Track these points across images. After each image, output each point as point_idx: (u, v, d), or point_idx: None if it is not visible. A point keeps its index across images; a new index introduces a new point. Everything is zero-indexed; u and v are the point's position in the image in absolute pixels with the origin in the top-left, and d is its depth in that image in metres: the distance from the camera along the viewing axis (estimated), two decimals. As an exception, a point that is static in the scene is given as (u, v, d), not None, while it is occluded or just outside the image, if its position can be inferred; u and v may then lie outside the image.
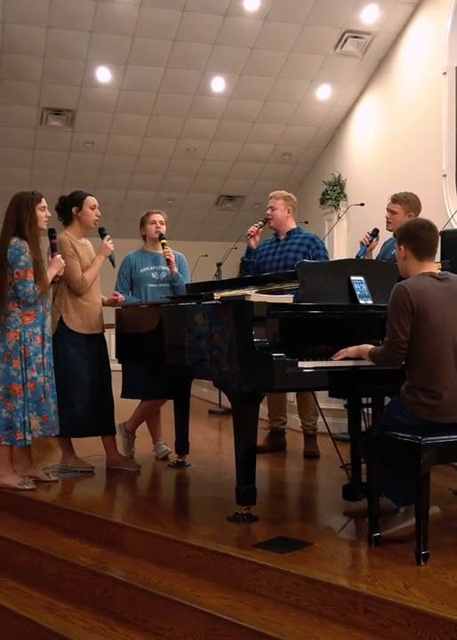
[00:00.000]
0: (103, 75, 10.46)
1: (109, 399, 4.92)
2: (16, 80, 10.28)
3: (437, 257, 4.87)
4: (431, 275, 3.34)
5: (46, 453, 5.47)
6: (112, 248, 4.89)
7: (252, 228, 5.35)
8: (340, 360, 3.55)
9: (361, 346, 3.50)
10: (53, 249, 4.55)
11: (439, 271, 3.44)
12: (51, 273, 4.46)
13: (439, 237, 3.45)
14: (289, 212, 5.37)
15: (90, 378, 4.80)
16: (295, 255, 5.18)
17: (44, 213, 4.48)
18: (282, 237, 5.38)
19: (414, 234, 3.38)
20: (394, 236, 3.68)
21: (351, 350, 3.53)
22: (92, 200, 4.87)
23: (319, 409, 4.90)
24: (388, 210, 5.09)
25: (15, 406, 4.33)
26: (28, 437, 4.35)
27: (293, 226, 5.39)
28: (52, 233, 4.56)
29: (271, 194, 5.46)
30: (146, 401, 5.17)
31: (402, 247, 3.41)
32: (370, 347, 3.44)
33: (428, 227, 3.41)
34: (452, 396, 3.26)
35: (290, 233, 5.35)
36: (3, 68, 10.02)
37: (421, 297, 3.23)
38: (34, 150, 11.72)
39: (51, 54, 9.91)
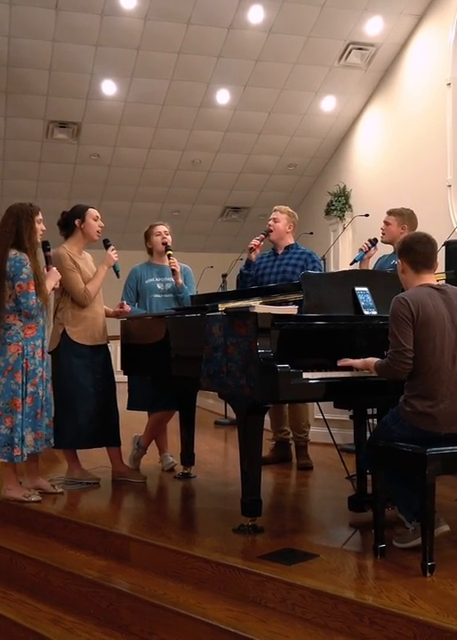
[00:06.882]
0: (108, 87, 10.52)
1: (114, 410, 4.92)
2: (22, 93, 10.35)
3: (442, 268, 4.93)
4: (429, 286, 3.36)
5: (52, 465, 5.47)
6: (116, 258, 4.89)
7: (254, 242, 5.39)
8: (343, 367, 3.57)
9: (367, 359, 3.50)
10: (48, 261, 4.55)
11: (438, 283, 3.44)
12: (49, 285, 4.44)
13: (436, 250, 3.46)
14: (290, 228, 5.43)
15: (94, 389, 4.81)
16: (293, 269, 5.26)
17: (40, 226, 4.48)
18: (280, 251, 5.43)
19: (410, 247, 3.42)
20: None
21: (357, 362, 3.54)
22: (94, 212, 4.89)
23: (325, 420, 4.90)
24: (383, 222, 5.30)
25: (15, 421, 4.29)
26: (25, 453, 4.33)
27: (292, 241, 5.46)
28: (46, 245, 4.55)
29: (275, 207, 5.53)
30: (153, 414, 5.18)
31: (401, 261, 3.45)
32: (375, 360, 3.44)
33: (424, 240, 3.43)
34: (450, 405, 3.25)
35: (288, 247, 5.39)
36: (9, 81, 10.09)
37: (421, 307, 3.24)
38: (40, 163, 11.78)
39: (56, 68, 9.97)
